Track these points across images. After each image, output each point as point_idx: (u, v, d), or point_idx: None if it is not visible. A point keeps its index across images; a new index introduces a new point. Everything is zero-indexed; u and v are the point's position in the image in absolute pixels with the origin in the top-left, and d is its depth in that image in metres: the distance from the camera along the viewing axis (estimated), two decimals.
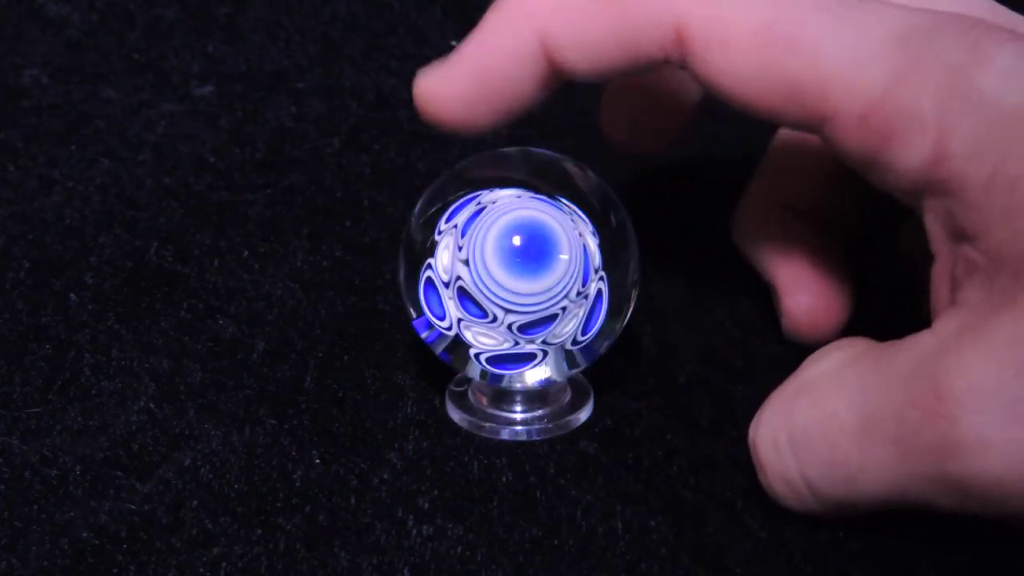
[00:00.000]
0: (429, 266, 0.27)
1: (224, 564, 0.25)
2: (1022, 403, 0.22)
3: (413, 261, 0.27)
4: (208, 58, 0.44)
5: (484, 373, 0.28)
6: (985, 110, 0.23)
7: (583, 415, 0.29)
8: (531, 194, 0.27)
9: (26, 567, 0.25)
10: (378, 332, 0.32)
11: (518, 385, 0.28)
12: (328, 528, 0.26)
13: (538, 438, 0.29)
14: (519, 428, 0.29)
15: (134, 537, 0.26)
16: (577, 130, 0.34)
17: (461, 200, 0.27)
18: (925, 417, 0.23)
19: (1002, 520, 0.23)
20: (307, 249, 0.35)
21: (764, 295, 0.31)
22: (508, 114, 0.28)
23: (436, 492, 0.27)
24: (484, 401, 0.29)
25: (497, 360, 0.27)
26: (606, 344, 0.28)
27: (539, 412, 0.29)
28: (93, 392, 0.29)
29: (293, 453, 0.28)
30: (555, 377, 0.28)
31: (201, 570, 0.25)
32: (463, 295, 0.27)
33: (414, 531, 0.26)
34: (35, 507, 0.26)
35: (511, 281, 0.26)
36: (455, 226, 0.27)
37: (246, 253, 0.35)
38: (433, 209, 0.27)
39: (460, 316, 0.27)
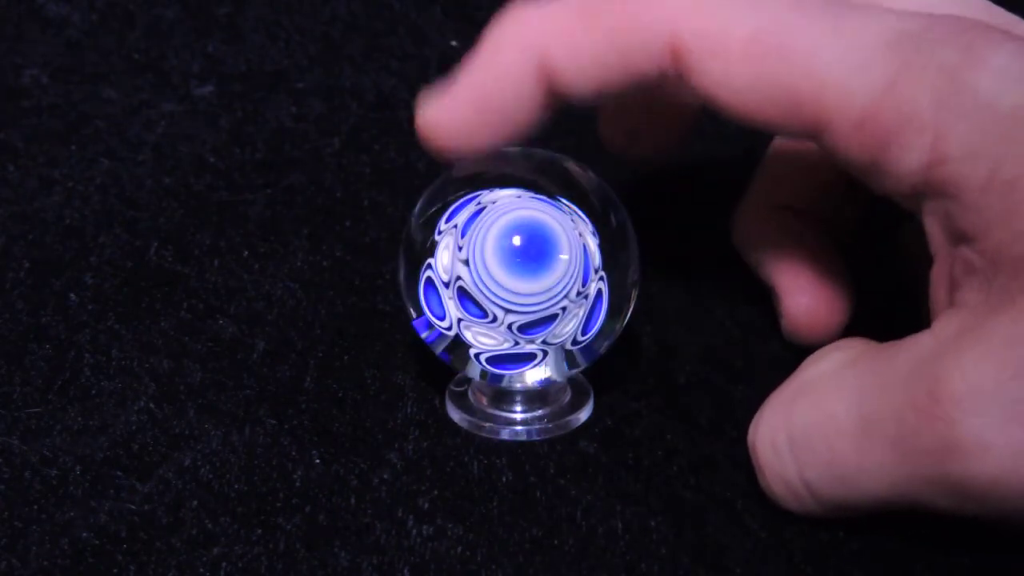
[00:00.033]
0: (429, 266, 0.27)
1: (224, 564, 0.25)
2: (1020, 404, 0.22)
3: (413, 261, 0.27)
4: (208, 58, 0.44)
5: (484, 373, 0.28)
6: (981, 112, 0.23)
7: (583, 415, 0.29)
8: (531, 194, 0.27)
9: (26, 567, 0.25)
10: (378, 332, 0.32)
11: (518, 385, 0.28)
12: (328, 528, 0.26)
13: (538, 438, 0.29)
14: (519, 428, 0.29)
15: (134, 537, 0.26)
16: (577, 130, 0.34)
17: (461, 200, 0.27)
18: (924, 419, 0.23)
19: (1000, 521, 0.23)
20: (307, 249, 0.35)
21: (764, 295, 0.31)
22: (510, 138, 0.28)
23: (436, 492, 0.27)
24: (484, 401, 0.29)
25: (497, 360, 0.27)
26: (606, 344, 0.28)
27: (539, 412, 0.29)
28: (93, 392, 0.29)
29: (293, 453, 0.28)
30: (555, 377, 0.28)
31: (201, 570, 0.25)
32: (463, 295, 0.27)
33: (414, 531, 0.26)
34: (35, 507, 0.26)
35: (511, 281, 0.26)
36: (455, 226, 0.27)
37: (246, 253, 0.35)
38: (433, 209, 0.27)
39: (460, 316, 0.27)
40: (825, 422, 0.25)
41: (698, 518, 0.27)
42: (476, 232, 0.26)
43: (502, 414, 0.29)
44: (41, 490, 0.27)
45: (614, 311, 0.28)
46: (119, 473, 0.27)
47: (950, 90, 0.23)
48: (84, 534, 0.26)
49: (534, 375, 0.28)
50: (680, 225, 0.36)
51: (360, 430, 0.29)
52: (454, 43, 0.46)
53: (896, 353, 0.24)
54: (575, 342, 0.27)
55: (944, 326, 0.24)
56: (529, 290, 0.26)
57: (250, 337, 0.31)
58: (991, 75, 0.23)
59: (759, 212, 0.32)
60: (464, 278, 0.26)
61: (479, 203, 0.27)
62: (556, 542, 0.26)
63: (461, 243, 0.27)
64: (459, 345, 0.27)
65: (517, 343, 0.27)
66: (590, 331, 0.27)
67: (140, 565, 0.25)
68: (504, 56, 0.27)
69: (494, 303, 0.26)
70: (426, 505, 0.27)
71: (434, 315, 0.27)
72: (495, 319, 0.26)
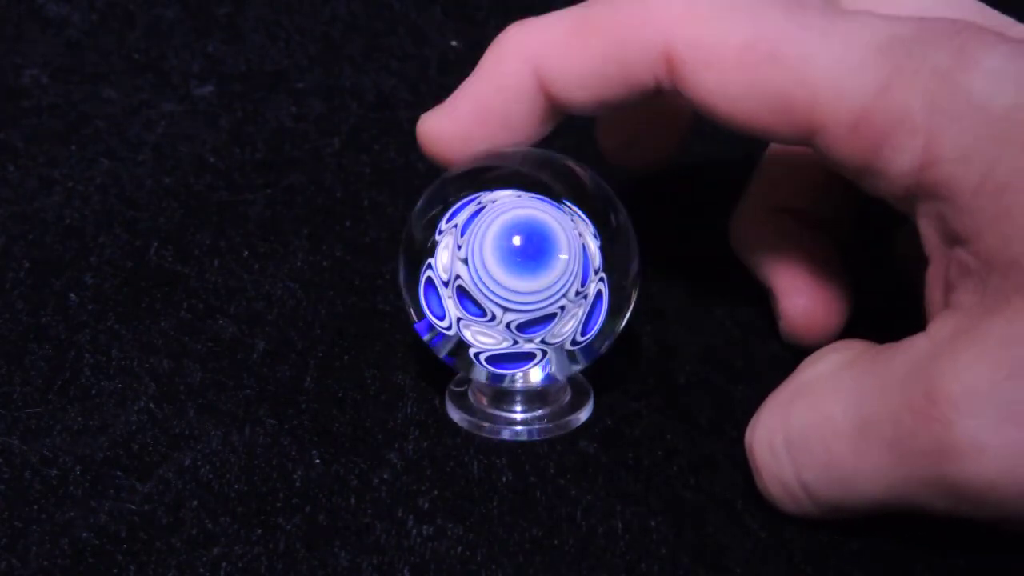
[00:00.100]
0: (429, 266, 0.27)
1: (224, 564, 0.25)
2: (1016, 405, 0.22)
3: (413, 261, 0.27)
4: (208, 58, 0.44)
5: (490, 376, 0.28)
6: (974, 114, 0.23)
7: (583, 415, 0.29)
8: (531, 194, 0.27)
9: (26, 567, 0.25)
10: (378, 332, 0.32)
11: (518, 385, 0.28)
12: (328, 528, 0.26)
13: (538, 438, 0.29)
14: (519, 428, 0.29)
15: (134, 537, 0.26)
16: (577, 130, 0.34)
17: (461, 200, 0.27)
18: (920, 420, 0.23)
19: (997, 522, 0.23)
20: (307, 249, 0.35)
21: (764, 295, 0.31)
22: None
23: (436, 492, 0.27)
24: (484, 401, 0.29)
25: (496, 359, 0.27)
26: (606, 344, 0.28)
27: (539, 412, 0.29)
28: (93, 392, 0.29)
29: (293, 453, 0.28)
30: (556, 376, 0.28)
31: (201, 570, 0.25)
32: (462, 294, 0.27)
33: (414, 531, 0.26)
34: (35, 507, 0.26)
35: (509, 279, 0.26)
36: (455, 226, 0.27)
37: (246, 253, 0.35)
38: (433, 209, 0.27)
39: (459, 315, 0.27)
40: (822, 424, 0.25)
41: (698, 518, 0.27)
42: (475, 231, 0.26)
43: (502, 414, 0.29)
44: (41, 490, 0.27)
45: (614, 311, 0.28)
46: (119, 473, 0.27)
47: (943, 93, 0.23)
48: (84, 534, 0.26)
49: (536, 375, 0.28)
50: (680, 225, 0.36)
51: (360, 430, 0.29)
52: (454, 43, 0.46)
53: (893, 355, 0.24)
54: (575, 342, 0.27)
55: (939, 327, 0.24)
56: (527, 288, 0.26)
57: (250, 337, 0.31)
58: (984, 77, 0.23)
59: (756, 214, 0.32)
60: (463, 277, 0.26)
61: (479, 203, 0.27)
62: (556, 542, 0.26)
63: (460, 242, 0.27)
64: (462, 348, 0.27)
65: (516, 342, 0.27)
66: (590, 331, 0.27)
67: (140, 565, 0.25)
68: (503, 68, 0.28)
69: (492, 301, 0.26)
70: (426, 505, 0.27)
71: (434, 315, 0.27)
72: (494, 318, 0.27)
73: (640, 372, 0.31)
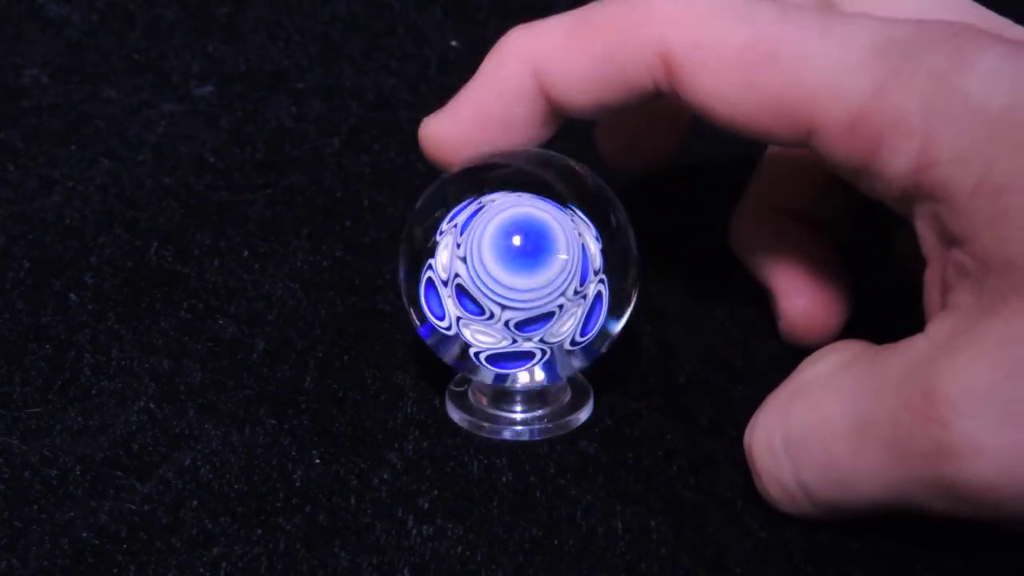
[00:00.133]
0: (430, 267, 0.27)
1: (224, 564, 0.25)
2: (1014, 405, 0.22)
3: (413, 261, 0.27)
4: (208, 58, 0.44)
5: (495, 377, 0.28)
6: (970, 115, 0.23)
7: (583, 415, 0.29)
8: (531, 194, 0.27)
9: (26, 567, 0.25)
10: (378, 332, 0.32)
11: (518, 385, 0.28)
12: (328, 528, 0.26)
13: (538, 438, 0.29)
14: (519, 428, 0.29)
15: (134, 537, 0.26)
16: (577, 132, 0.34)
17: (461, 201, 0.27)
18: (918, 421, 0.23)
19: (995, 523, 0.23)
20: (307, 249, 0.35)
21: (764, 295, 0.31)
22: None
23: (436, 492, 0.27)
24: (484, 401, 0.29)
25: (496, 359, 0.27)
26: (606, 344, 0.28)
27: (539, 412, 0.29)
28: (93, 392, 0.29)
29: (293, 453, 0.28)
30: (559, 375, 0.28)
31: (201, 570, 0.25)
32: (461, 292, 0.27)
33: (414, 531, 0.26)
34: (35, 507, 0.26)
35: (507, 277, 0.26)
36: (455, 225, 0.27)
37: (246, 253, 0.35)
38: (433, 210, 0.27)
39: (459, 314, 0.27)
40: (821, 424, 0.25)
41: (698, 518, 0.27)
42: (474, 229, 0.26)
43: (502, 414, 0.29)
44: (41, 490, 0.27)
45: (614, 311, 0.28)
46: (119, 473, 0.27)
47: (939, 94, 0.23)
48: (84, 534, 0.26)
49: (539, 375, 0.28)
50: (680, 225, 0.36)
51: (360, 430, 0.29)
52: (454, 43, 0.46)
53: (891, 356, 0.24)
54: (574, 342, 0.27)
55: (937, 328, 0.24)
56: (525, 286, 0.26)
57: (250, 337, 0.31)
58: (980, 79, 0.23)
59: (756, 215, 0.32)
60: (461, 275, 0.26)
61: (479, 203, 0.27)
62: (556, 542, 0.26)
63: (459, 240, 0.27)
64: (466, 353, 0.27)
65: (515, 341, 0.27)
66: (589, 332, 0.27)
67: (140, 565, 0.25)
68: (504, 72, 0.28)
69: (491, 299, 0.26)
70: (426, 505, 0.27)
71: (434, 315, 0.27)
72: (492, 316, 0.27)
73: (640, 372, 0.31)
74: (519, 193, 0.27)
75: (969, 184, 0.23)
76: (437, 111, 0.29)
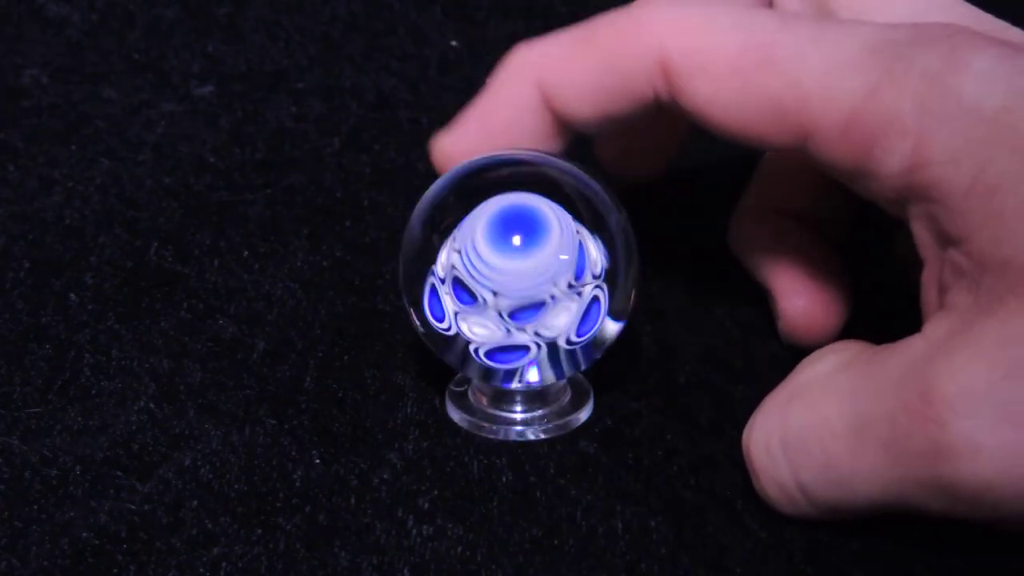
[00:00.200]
0: (432, 271, 0.27)
1: (224, 564, 0.25)
2: (1012, 405, 0.22)
3: (414, 262, 0.27)
4: (208, 58, 0.44)
5: (500, 377, 0.28)
6: (964, 115, 0.23)
7: (583, 415, 0.29)
8: (531, 194, 0.27)
9: (26, 567, 0.25)
10: (378, 332, 0.32)
11: (519, 385, 0.28)
12: (328, 528, 0.26)
13: (538, 438, 0.29)
14: (519, 428, 0.29)
15: (134, 537, 0.26)
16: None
17: (461, 201, 0.27)
18: (915, 421, 0.23)
19: (994, 523, 0.23)
20: (307, 249, 0.35)
21: (764, 295, 0.31)
22: None
23: (436, 492, 0.27)
24: (484, 401, 0.29)
25: (494, 353, 0.27)
26: (605, 345, 0.28)
27: (539, 412, 0.29)
28: (93, 392, 0.29)
29: (293, 453, 0.28)
30: (562, 374, 0.28)
31: (201, 570, 0.25)
32: (457, 284, 0.27)
33: (414, 531, 0.26)
34: (35, 507, 0.26)
35: (498, 259, 0.26)
36: (454, 225, 0.27)
37: (246, 253, 0.35)
38: (433, 210, 0.27)
39: (456, 309, 0.27)
40: (819, 425, 0.25)
41: (698, 518, 0.27)
42: (469, 221, 0.26)
43: (502, 414, 0.29)
44: (41, 490, 0.27)
45: (613, 312, 0.27)
46: (119, 473, 0.27)
47: (933, 94, 0.23)
48: (84, 534, 0.26)
49: (534, 375, 0.28)
50: (680, 225, 0.36)
51: (360, 430, 0.29)
52: (454, 43, 0.46)
53: (889, 356, 0.24)
54: (570, 341, 0.27)
55: (935, 328, 0.24)
56: (515, 268, 0.26)
57: (250, 337, 0.31)
58: (974, 79, 0.23)
59: (755, 216, 0.32)
60: (457, 266, 0.26)
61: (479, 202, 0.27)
62: (556, 542, 0.26)
63: (456, 235, 0.27)
64: (469, 358, 0.27)
65: (510, 332, 0.27)
66: (587, 331, 0.27)
67: (140, 565, 0.25)
68: (509, 87, 0.28)
69: (482, 284, 0.26)
70: (426, 505, 0.27)
71: (435, 318, 0.27)
72: (485, 302, 0.26)
73: (640, 372, 0.31)
74: (519, 193, 0.27)
75: (963, 184, 0.23)
76: (448, 128, 0.29)
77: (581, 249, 0.27)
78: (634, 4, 0.28)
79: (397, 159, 0.39)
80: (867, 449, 0.24)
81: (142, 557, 0.25)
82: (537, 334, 0.27)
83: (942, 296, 0.24)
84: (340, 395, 0.30)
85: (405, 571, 0.25)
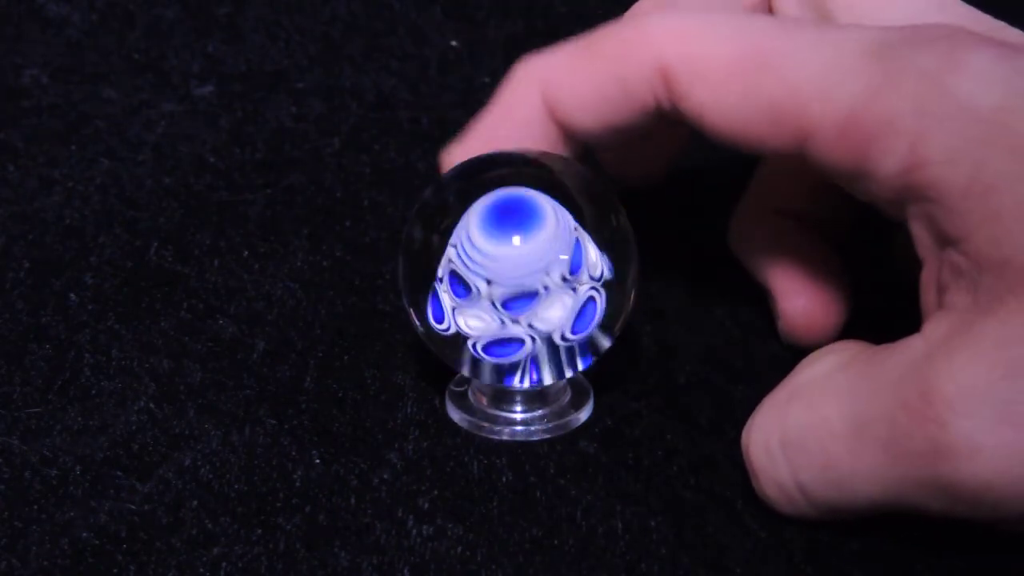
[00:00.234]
0: (432, 271, 0.27)
1: (224, 564, 0.25)
2: (1011, 405, 0.22)
3: (413, 262, 0.27)
4: (208, 58, 0.44)
5: (502, 375, 0.28)
6: (961, 115, 0.23)
7: (583, 415, 0.29)
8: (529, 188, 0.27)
9: (26, 567, 0.25)
10: (378, 332, 0.32)
11: (519, 385, 0.28)
12: (328, 528, 0.26)
13: (538, 438, 0.29)
14: (519, 428, 0.29)
15: (134, 537, 0.26)
16: None
17: (460, 201, 0.27)
18: (915, 421, 0.23)
19: (993, 523, 0.23)
20: (307, 249, 0.35)
21: (764, 295, 0.31)
22: None
23: (436, 492, 0.27)
24: (484, 401, 0.29)
25: (489, 347, 0.27)
26: (605, 345, 0.28)
27: (539, 412, 0.29)
28: (93, 392, 0.29)
29: (293, 453, 0.28)
30: (563, 374, 0.28)
31: (201, 570, 0.25)
32: (453, 277, 0.27)
33: (414, 531, 0.26)
34: (35, 507, 0.26)
35: (490, 246, 0.26)
36: (454, 225, 0.27)
37: (246, 253, 0.35)
38: (433, 210, 0.27)
39: (453, 304, 0.27)
40: (818, 425, 0.25)
41: (698, 518, 0.27)
42: (467, 214, 0.27)
43: (502, 414, 0.29)
44: (41, 490, 0.27)
45: (612, 312, 0.27)
46: (119, 473, 0.27)
47: (930, 94, 0.23)
48: (84, 534, 0.26)
49: (537, 374, 0.28)
50: (680, 225, 0.36)
51: (360, 430, 0.29)
52: (454, 43, 0.46)
53: (888, 356, 0.24)
54: (564, 338, 0.27)
55: (934, 328, 0.24)
56: (506, 254, 0.26)
57: (250, 337, 0.31)
58: (971, 79, 0.23)
59: (756, 216, 0.32)
60: (453, 259, 0.26)
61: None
62: (556, 542, 0.26)
63: (454, 230, 0.27)
64: (475, 362, 0.27)
65: (504, 324, 0.27)
66: (584, 328, 0.27)
67: (140, 565, 0.25)
68: (515, 99, 0.29)
69: (475, 273, 0.26)
70: (426, 505, 0.27)
71: (435, 318, 0.27)
72: (478, 292, 0.26)
73: (640, 372, 0.31)
74: (518, 187, 0.27)
75: (961, 184, 0.23)
76: (455, 140, 0.29)
77: (579, 246, 0.27)
78: (635, 13, 0.28)
79: (397, 159, 0.39)
80: (867, 449, 0.24)
81: (142, 557, 0.25)
82: (531, 327, 0.27)
83: (941, 296, 0.24)
84: (340, 395, 0.30)
85: (405, 571, 0.25)
